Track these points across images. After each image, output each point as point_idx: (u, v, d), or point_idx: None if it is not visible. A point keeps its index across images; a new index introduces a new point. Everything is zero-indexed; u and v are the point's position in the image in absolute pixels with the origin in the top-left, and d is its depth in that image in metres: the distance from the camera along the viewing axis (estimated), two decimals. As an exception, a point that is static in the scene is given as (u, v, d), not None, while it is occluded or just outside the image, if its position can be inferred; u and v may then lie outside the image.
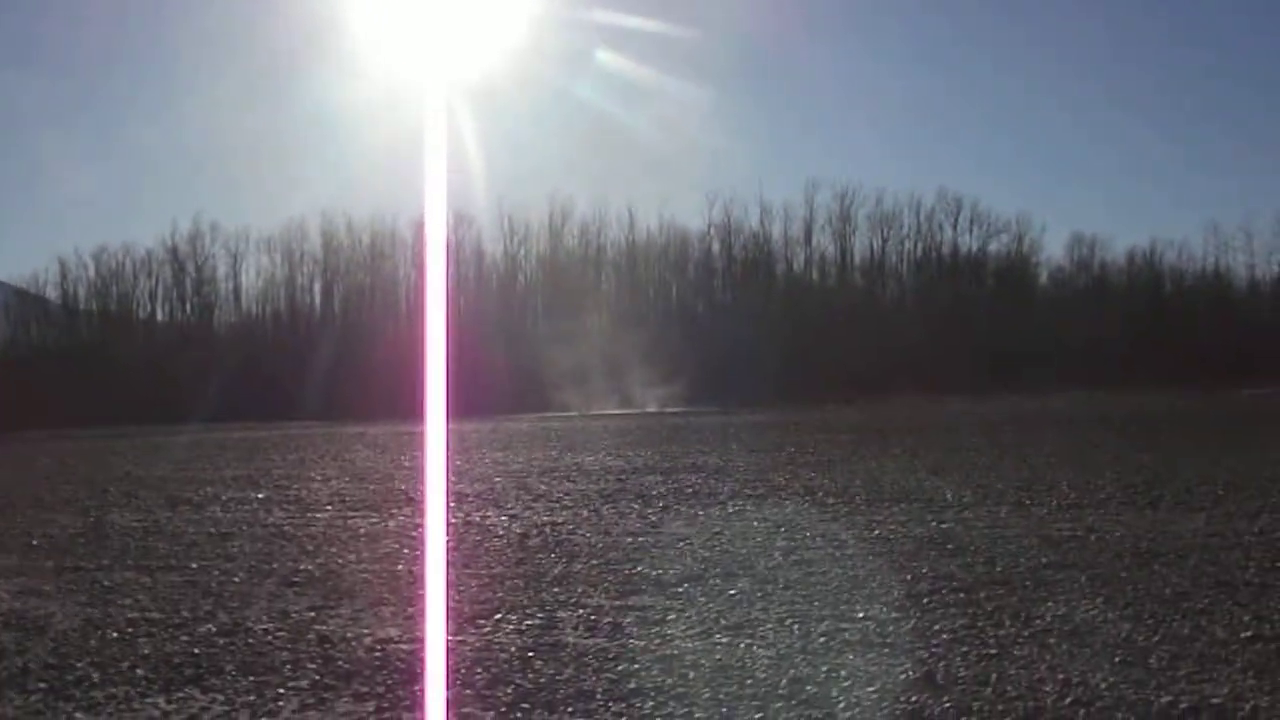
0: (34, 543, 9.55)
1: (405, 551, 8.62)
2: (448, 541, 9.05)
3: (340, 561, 8.23)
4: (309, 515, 11.03)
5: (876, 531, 8.98)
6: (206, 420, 40.96)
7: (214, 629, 6.05)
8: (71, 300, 72.65)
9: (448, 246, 67.78)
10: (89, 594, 7.07)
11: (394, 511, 11.22)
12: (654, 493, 12.40)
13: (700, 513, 10.58)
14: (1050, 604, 6.01)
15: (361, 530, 9.90)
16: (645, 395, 53.37)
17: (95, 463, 20.80)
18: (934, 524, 9.29)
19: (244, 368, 55.15)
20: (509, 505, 11.57)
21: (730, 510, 10.68)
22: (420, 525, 10.14)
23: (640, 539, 8.98)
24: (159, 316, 72.79)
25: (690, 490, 12.55)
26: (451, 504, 11.78)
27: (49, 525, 10.73)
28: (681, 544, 8.65)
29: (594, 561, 7.97)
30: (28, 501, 13.15)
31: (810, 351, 55.43)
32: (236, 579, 7.51)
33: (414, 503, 12.02)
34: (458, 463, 18.06)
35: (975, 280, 67.91)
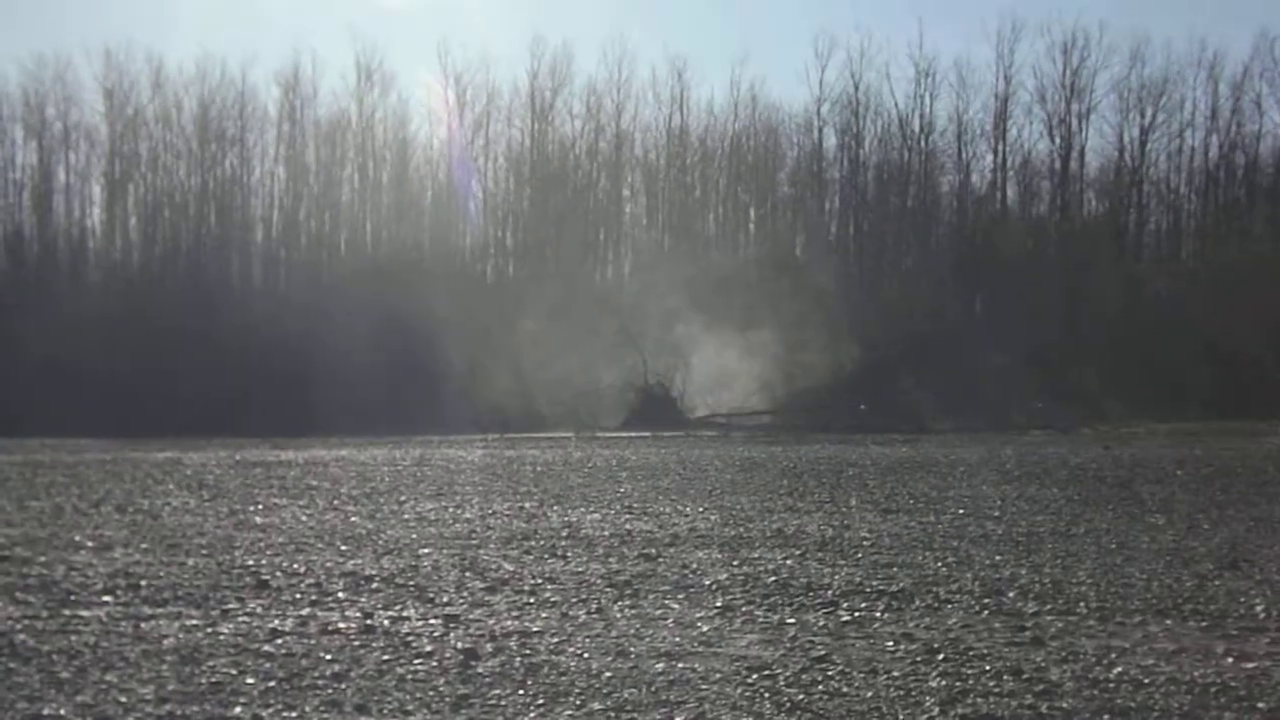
0: None
1: (248, 683, 8.53)
2: (330, 662, 8.99)
3: (122, 700, 8.13)
4: (69, 613, 11.01)
5: (1118, 669, 8.85)
6: None
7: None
8: None
9: (336, 126, 68.19)
10: None
11: (230, 607, 11.20)
12: (707, 581, 12.40)
13: (790, 621, 10.52)
14: None
15: (167, 642, 9.83)
16: (699, 403, 53.43)
17: None
18: (1228, 660, 9.18)
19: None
20: (444, 598, 11.57)
21: (844, 618, 10.63)
22: (280, 632, 10.08)
23: (681, 666, 8.91)
24: None
25: (773, 579, 12.55)
26: (341, 594, 11.78)
27: None
28: (755, 678, 8.56)
29: (596, 706, 7.89)
30: None
31: (995, 328, 55.22)
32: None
33: (270, 590, 12.01)
34: (354, 518, 18.13)
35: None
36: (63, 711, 7.79)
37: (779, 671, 8.73)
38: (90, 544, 15.40)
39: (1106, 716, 7.64)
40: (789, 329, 53.23)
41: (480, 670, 8.82)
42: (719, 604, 11.22)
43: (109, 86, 66.75)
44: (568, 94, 69.05)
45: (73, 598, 11.70)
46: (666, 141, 69.50)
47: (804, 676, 8.61)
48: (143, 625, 10.42)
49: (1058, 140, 66.42)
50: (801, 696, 8.11)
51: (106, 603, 11.45)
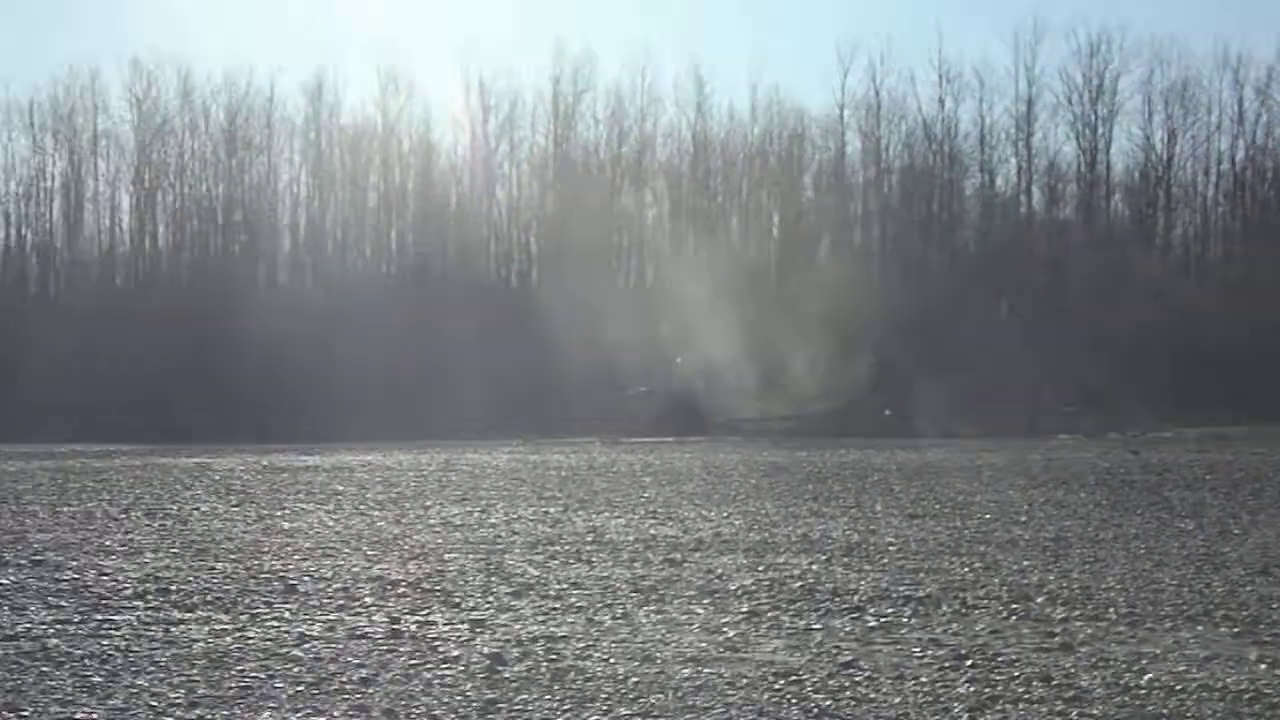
0: None
1: (277, 687, 8.51)
2: (358, 666, 8.99)
3: (153, 704, 8.14)
4: (100, 617, 11.03)
5: (1149, 675, 8.84)
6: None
7: None
8: None
9: (361, 134, 68.40)
10: None
11: (259, 612, 11.23)
12: (732, 586, 12.39)
13: (817, 626, 10.49)
14: None
15: (197, 647, 9.86)
16: (723, 408, 53.36)
17: None
18: (1261, 667, 9.18)
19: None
20: (470, 603, 11.57)
21: (871, 624, 10.59)
22: (308, 637, 10.09)
23: (707, 671, 8.88)
24: None
25: (799, 585, 12.53)
26: (368, 599, 11.80)
27: None
28: (782, 684, 8.54)
29: (623, 711, 7.89)
30: None
31: (1021, 333, 55.08)
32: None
33: (297, 595, 12.04)
34: (381, 523, 18.16)
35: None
36: (95, 716, 7.81)
37: (805, 677, 8.70)
38: (120, 549, 15.45)
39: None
40: (814, 334, 53.13)
41: (506, 675, 8.82)
42: (744, 609, 11.19)
43: (137, 95, 67.18)
44: (590, 99, 69.12)
45: (104, 602, 11.72)
46: (692, 146, 69.42)
47: (831, 682, 8.58)
48: (173, 630, 10.44)
49: (1083, 144, 66.01)
50: (829, 702, 8.08)
51: (137, 607, 11.48)
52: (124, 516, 19.38)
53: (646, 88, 68.58)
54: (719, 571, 13.37)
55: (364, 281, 64.08)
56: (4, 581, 12.90)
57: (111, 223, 69.40)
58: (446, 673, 8.89)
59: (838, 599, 11.69)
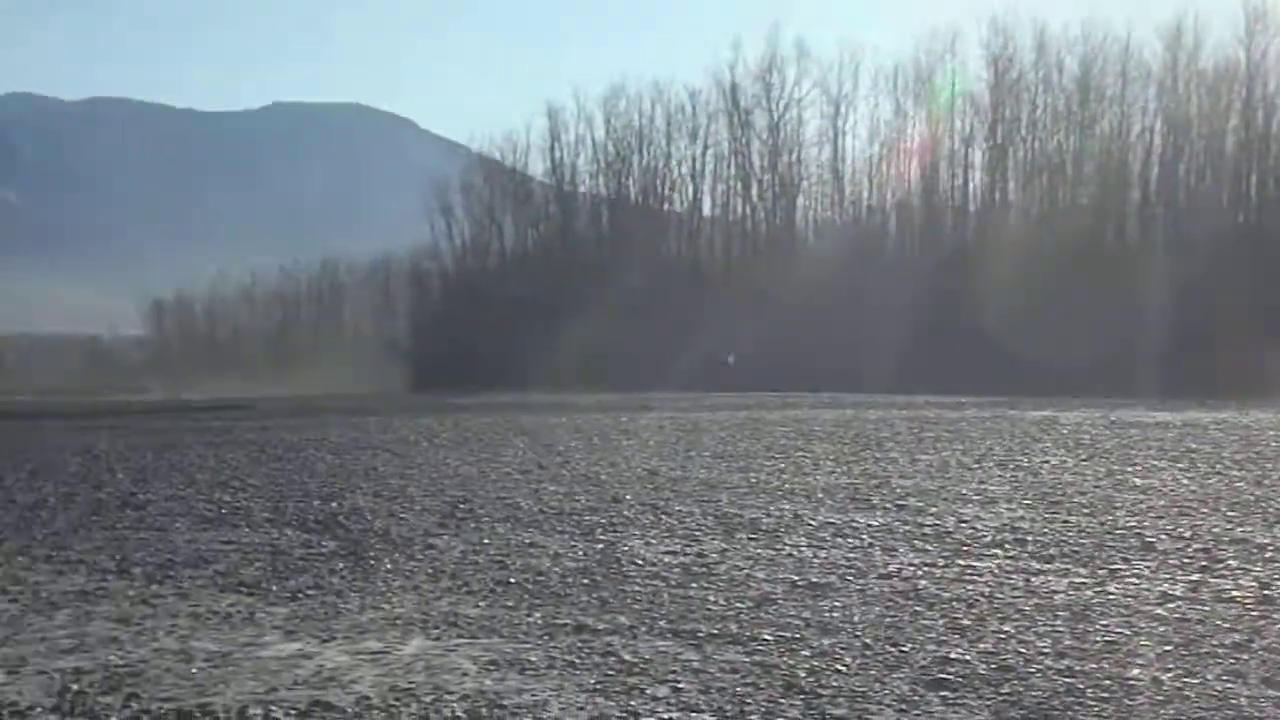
0: (510, 580, 10.85)
1: (1142, 645, 8.39)
2: (1229, 631, 8.66)
3: (1021, 650, 8.29)
4: (960, 563, 11.43)
5: None
6: (808, 390, 45.95)
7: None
8: (564, 178, 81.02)
9: (1221, 76, 64.71)
10: (599, 674, 7.89)
11: (1117, 568, 11.10)
12: None
13: None
14: None
15: (1058, 598, 9.93)
16: None
17: (600, 447, 24.16)
18: None
19: (845, 300, 59.59)
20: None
21: None
22: (1170, 596, 9.85)
23: None
24: (706, 208, 79.22)
25: None
26: (1232, 561, 11.31)
27: (531, 552, 12.30)
28: None
29: None
30: (499, 509, 15.32)
31: None
32: (841, 666, 8.00)
33: (1155, 553, 11.80)
34: (1240, 484, 17.29)
35: None
36: (968, 657, 8.09)
37: None
38: (976, 498, 15.91)
39: None
40: None
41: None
42: None
43: (994, 53, 68.65)
44: None
45: (964, 548, 12.14)
46: None
47: None
48: (1032, 580, 10.58)
49: None
50: None
51: (996, 555, 11.76)
52: (977, 466, 19.91)
53: None
54: None
55: (1218, 234, 61.03)
56: (873, 524, 13.76)
57: (965, 180, 71.49)
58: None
59: None
